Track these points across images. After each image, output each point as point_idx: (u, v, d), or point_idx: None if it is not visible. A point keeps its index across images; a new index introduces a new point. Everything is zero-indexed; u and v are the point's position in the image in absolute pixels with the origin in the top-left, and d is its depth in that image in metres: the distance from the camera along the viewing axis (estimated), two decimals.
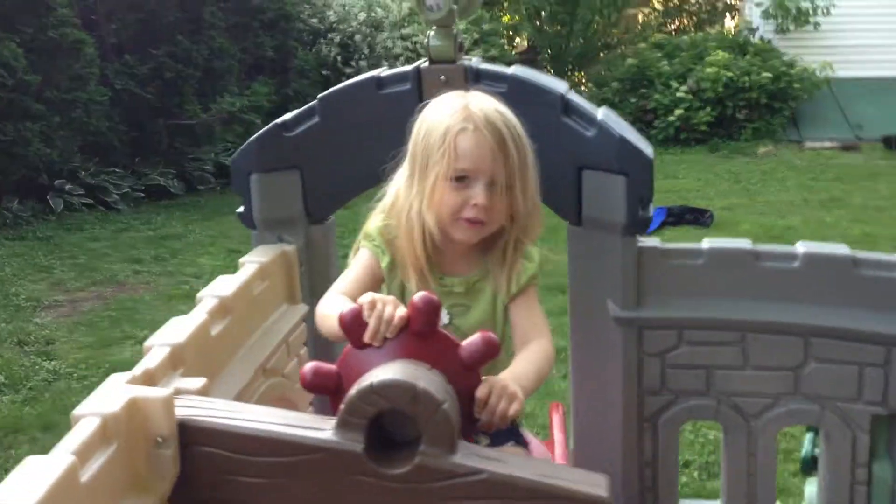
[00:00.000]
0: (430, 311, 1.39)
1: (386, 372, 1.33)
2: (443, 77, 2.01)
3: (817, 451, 2.39)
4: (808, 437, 2.46)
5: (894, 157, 10.58)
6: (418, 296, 1.41)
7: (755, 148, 10.82)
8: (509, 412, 1.46)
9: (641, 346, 2.00)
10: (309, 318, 2.08)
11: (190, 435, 1.33)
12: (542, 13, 12.95)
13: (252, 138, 2.03)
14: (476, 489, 1.30)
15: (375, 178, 2.10)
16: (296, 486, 1.34)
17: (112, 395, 1.30)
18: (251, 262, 1.92)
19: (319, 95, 2.05)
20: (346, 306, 1.48)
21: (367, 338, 1.40)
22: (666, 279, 1.97)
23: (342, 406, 1.32)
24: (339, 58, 11.37)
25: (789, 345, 1.94)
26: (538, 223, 1.84)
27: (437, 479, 1.30)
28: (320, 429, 1.34)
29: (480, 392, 1.44)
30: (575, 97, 1.97)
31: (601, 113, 1.94)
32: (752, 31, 12.79)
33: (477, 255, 1.84)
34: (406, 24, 11.55)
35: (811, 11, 12.31)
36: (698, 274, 1.96)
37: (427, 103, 1.81)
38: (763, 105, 11.38)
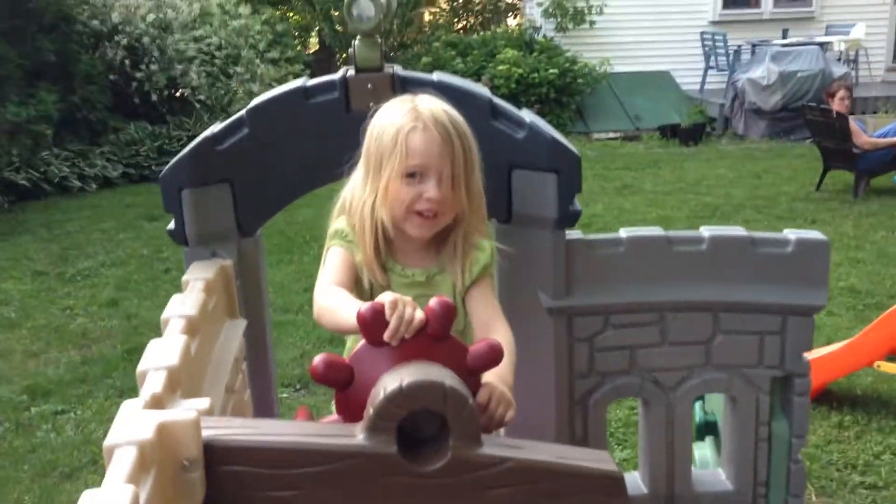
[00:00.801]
0: (447, 314, 1.44)
1: (411, 373, 1.37)
2: (370, 85, 2.05)
3: (706, 417, 2.67)
4: (698, 405, 2.72)
5: (671, 146, 11.56)
6: (435, 300, 1.46)
7: None
8: (506, 418, 1.56)
9: (571, 332, 2.14)
10: (246, 332, 2.07)
11: (216, 455, 1.31)
12: (335, 13, 12.96)
13: (182, 153, 1.97)
14: (504, 476, 1.38)
15: (305, 186, 2.12)
16: (328, 494, 1.35)
17: (139, 422, 1.26)
18: (196, 279, 1.88)
19: (247, 107, 2.02)
20: (351, 300, 1.55)
21: (387, 337, 1.44)
22: (591, 268, 2.12)
23: (371, 409, 1.35)
24: (126, 61, 10.85)
25: (701, 320, 2.15)
26: (484, 218, 1.95)
27: (469, 471, 1.36)
28: (350, 434, 1.36)
29: (482, 397, 1.52)
30: (500, 101, 2.08)
31: (527, 115, 2.06)
32: (537, 29, 13.48)
33: (431, 251, 1.92)
34: (197, 26, 11.20)
35: (587, 10, 13.15)
36: (620, 261, 2.13)
37: (377, 108, 1.86)
38: (552, 99, 12.07)
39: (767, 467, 2.21)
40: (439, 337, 1.46)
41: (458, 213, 1.86)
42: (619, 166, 10.19)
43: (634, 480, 2.29)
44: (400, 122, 1.79)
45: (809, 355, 2.21)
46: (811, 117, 8.52)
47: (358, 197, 1.85)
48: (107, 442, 1.22)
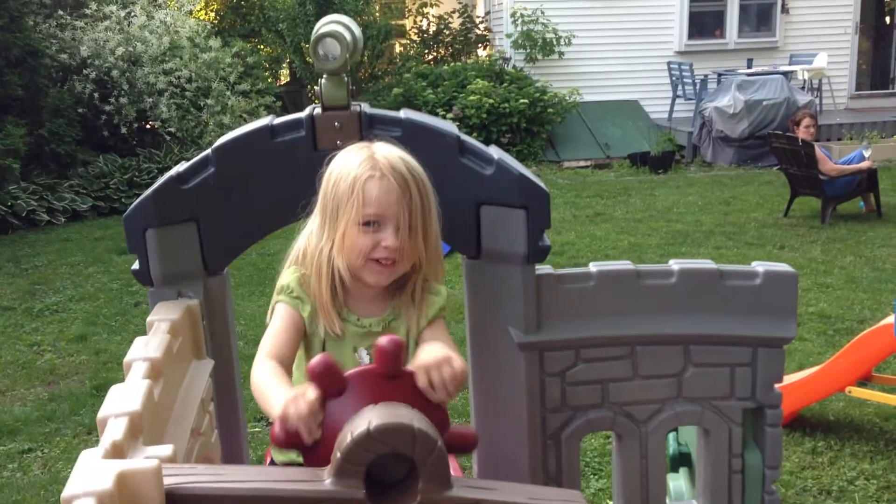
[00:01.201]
0: (395, 351, 1.44)
1: (379, 416, 1.35)
2: (337, 123, 2.04)
3: (680, 448, 2.66)
4: (672, 436, 2.71)
5: (641, 173, 11.66)
6: (384, 338, 1.46)
7: None
8: (457, 374, 1.50)
9: (543, 367, 2.13)
10: (213, 373, 2.04)
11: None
12: (305, 45, 12.98)
13: (147, 193, 1.95)
14: None
15: (272, 225, 2.11)
16: None
17: (98, 472, 1.23)
18: (161, 320, 1.85)
19: (213, 145, 2.00)
20: (277, 389, 1.58)
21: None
22: (562, 303, 2.11)
23: (338, 453, 1.33)
24: (95, 94, 10.81)
25: (671, 353, 2.15)
26: (441, 264, 1.97)
27: None
28: (317, 479, 1.34)
29: (422, 381, 1.48)
30: (467, 138, 2.08)
31: (495, 152, 2.06)
32: (506, 60, 13.59)
33: (387, 298, 1.93)
34: (167, 59, 11.17)
35: (555, 41, 13.30)
36: (590, 295, 2.12)
37: (335, 155, 1.86)
38: (523, 129, 12.15)
39: (742, 499, 2.21)
40: (391, 375, 1.45)
41: (416, 261, 1.86)
42: (591, 194, 10.26)
43: None
44: (357, 170, 1.79)
45: (781, 382, 2.21)
46: (777, 145, 8.63)
47: (314, 245, 1.85)
48: (64, 493, 1.18)
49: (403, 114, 2.09)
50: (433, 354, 1.54)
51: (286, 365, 1.78)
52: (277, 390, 1.60)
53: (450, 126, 2.11)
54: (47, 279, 7.24)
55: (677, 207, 9.36)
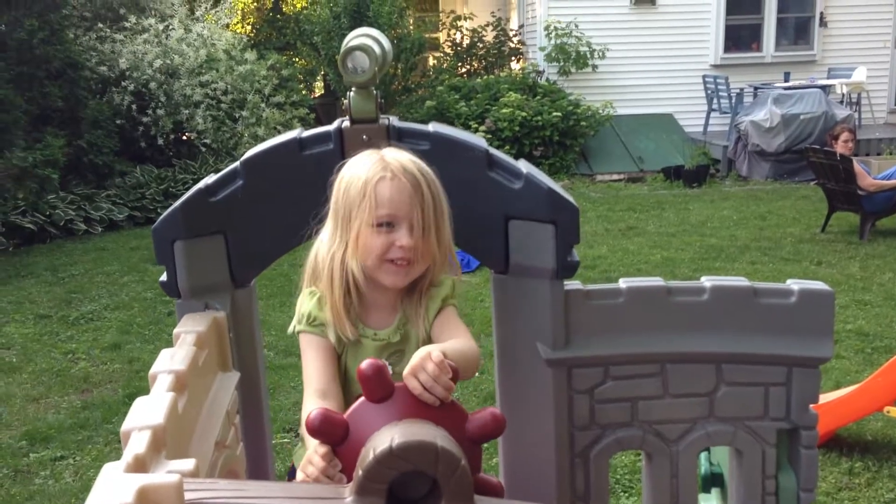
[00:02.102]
0: (377, 374, 1.44)
1: (402, 433, 1.34)
2: (365, 136, 2.03)
3: (712, 468, 2.61)
4: (703, 456, 2.66)
5: (675, 187, 11.56)
6: (364, 364, 1.45)
7: None
8: (438, 366, 1.47)
9: (571, 384, 2.10)
10: (239, 385, 2.04)
11: None
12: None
13: (175, 205, 1.96)
14: None
15: (299, 238, 2.10)
16: None
17: (119, 486, 1.22)
18: (187, 332, 1.85)
19: (241, 158, 2.01)
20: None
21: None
22: (590, 319, 2.08)
23: (360, 471, 1.32)
24: (133, 106, 10.95)
25: (703, 372, 2.11)
26: (452, 267, 1.94)
27: None
28: (339, 496, 1.32)
29: (415, 388, 1.46)
30: (496, 152, 2.06)
31: (524, 166, 2.04)
32: (539, 73, 13.57)
33: (397, 303, 1.92)
34: (204, 71, 11.30)
35: (589, 55, 13.25)
36: (619, 312, 2.09)
37: (344, 163, 1.87)
38: (556, 142, 12.10)
39: None
40: (377, 399, 1.44)
41: (430, 263, 1.84)
42: (623, 208, 10.19)
43: None
44: (368, 173, 1.79)
45: (817, 403, 2.16)
46: (815, 159, 8.52)
47: (326, 251, 1.85)
48: None
49: (432, 127, 2.08)
50: (413, 360, 1.52)
51: (332, 396, 1.79)
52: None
53: (478, 140, 2.09)
54: (83, 288, 7.33)
55: (711, 222, 9.26)
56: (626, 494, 3.55)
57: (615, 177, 12.35)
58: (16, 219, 8.78)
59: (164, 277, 2.00)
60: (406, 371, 1.48)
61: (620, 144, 12.92)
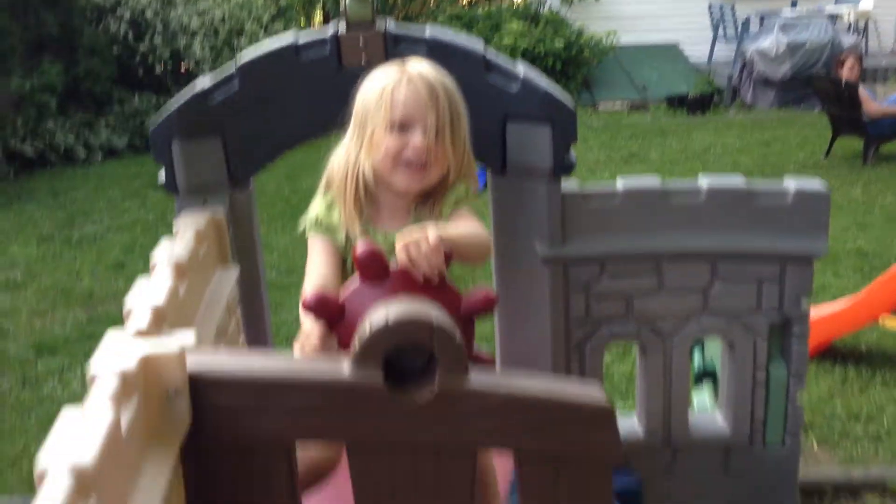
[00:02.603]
0: (371, 253, 1.50)
1: (398, 308, 1.36)
2: (361, 41, 2.02)
3: (707, 364, 2.66)
4: (696, 352, 2.71)
5: (678, 116, 11.46)
6: (359, 245, 1.51)
7: None
8: (433, 247, 1.52)
9: (567, 280, 2.13)
10: (240, 279, 2.06)
11: (202, 386, 1.31)
12: None
13: (172, 109, 1.96)
14: (493, 408, 1.37)
15: (297, 140, 2.11)
16: (315, 425, 1.35)
17: (124, 351, 1.25)
18: (186, 226, 1.87)
19: (238, 64, 2.00)
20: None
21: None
22: (587, 219, 2.10)
23: (357, 343, 1.35)
24: (130, 34, 10.81)
25: (698, 269, 2.14)
26: (470, 177, 1.92)
27: (457, 403, 1.36)
28: (337, 366, 1.35)
29: (401, 257, 1.52)
30: (492, 54, 2.05)
31: (521, 68, 2.04)
32: (542, 2, 13.35)
33: (410, 208, 1.91)
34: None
35: None
36: (616, 212, 2.11)
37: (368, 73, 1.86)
38: (558, 72, 11.93)
39: (765, 409, 2.20)
40: (372, 276, 1.49)
41: (444, 172, 1.84)
42: (626, 136, 10.11)
43: (632, 425, 2.28)
44: (385, 80, 1.81)
45: (813, 314, 2.19)
46: (820, 86, 8.44)
47: (343, 154, 1.86)
48: (91, 370, 1.21)
49: (428, 31, 2.07)
50: (411, 233, 1.55)
51: (331, 289, 1.80)
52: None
53: (476, 43, 2.08)
54: (85, 211, 7.34)
55: (715, 149, 9.20)
56: (623, 400, 3.60)
57: (618, 106, 12.23)
58: (16, 144, 8.75)
59: (161, 176, 2.01)
60: (399, 243, 1.51)
61: (624, 74, 12.77)
